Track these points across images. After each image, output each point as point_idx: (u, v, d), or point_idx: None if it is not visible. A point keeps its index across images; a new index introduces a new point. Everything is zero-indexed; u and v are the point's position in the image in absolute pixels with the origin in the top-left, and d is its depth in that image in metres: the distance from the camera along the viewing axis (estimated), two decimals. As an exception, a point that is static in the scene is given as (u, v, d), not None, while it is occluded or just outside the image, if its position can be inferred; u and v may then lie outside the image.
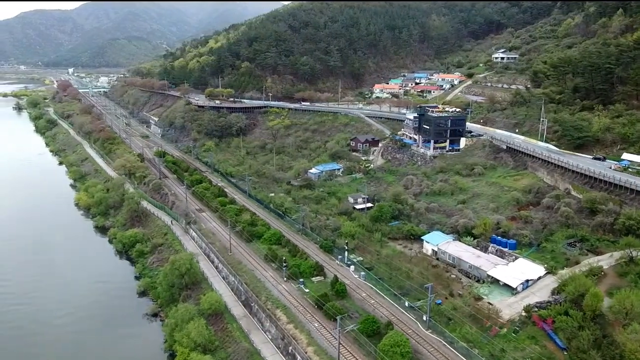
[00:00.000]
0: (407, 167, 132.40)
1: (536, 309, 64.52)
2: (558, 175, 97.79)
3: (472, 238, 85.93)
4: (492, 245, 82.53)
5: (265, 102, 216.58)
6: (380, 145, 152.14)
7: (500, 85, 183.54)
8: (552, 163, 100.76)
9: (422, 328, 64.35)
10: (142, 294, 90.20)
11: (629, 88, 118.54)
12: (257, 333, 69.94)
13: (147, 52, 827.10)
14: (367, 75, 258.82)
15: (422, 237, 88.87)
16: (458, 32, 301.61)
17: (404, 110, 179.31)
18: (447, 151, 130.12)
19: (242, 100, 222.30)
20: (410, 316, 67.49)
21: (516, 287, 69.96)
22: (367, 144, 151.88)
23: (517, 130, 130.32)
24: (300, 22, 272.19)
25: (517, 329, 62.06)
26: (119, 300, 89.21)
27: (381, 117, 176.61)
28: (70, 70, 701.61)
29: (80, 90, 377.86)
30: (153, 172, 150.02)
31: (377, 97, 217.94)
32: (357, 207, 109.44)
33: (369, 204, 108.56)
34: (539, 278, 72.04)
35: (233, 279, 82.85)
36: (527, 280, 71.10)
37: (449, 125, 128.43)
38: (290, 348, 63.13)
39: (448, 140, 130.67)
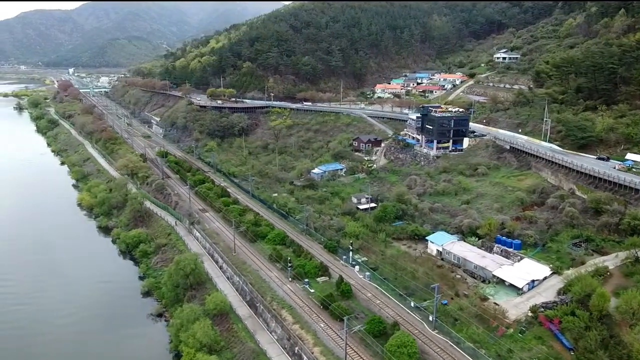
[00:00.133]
0: (410, 167, 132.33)
1: (542, 309, 64.51)
2: (562, 175, 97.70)
3: (476, 238, 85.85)
4: (497, 245, 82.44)
5: (267, 102, 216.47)
6: (382, 145, 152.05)
7: (502, 85, 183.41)
8: (556, 163, 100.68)
9: (428, 328, 64.34)
10: (146, 294, 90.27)
11: (632, 88, 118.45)
12: (263, 333, 69.90)
13: (148, 52, 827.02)
14: (368, 75, 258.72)
15: (426, 238, 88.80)
16: (459, 32, 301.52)
17: (406, 110, 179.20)
18: (450, 151, 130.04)
19: (244, 100, 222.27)
20: (416, 316, 67.45)
21: (522, 288, 69.91)
22: (370, 144, 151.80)
23: (520, 130, 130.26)
24: (301, 22, 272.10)
25: (524, 329, 62.01)
26: (123, 300, 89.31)
27: (383, 117, 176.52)
28: (71, 70, 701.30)
29: (80, 91, 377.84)
30: (156, 172, 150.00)
31: (379, 97, 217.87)
32: (361, 207, 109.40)
33: (373, 204, 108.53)
34: (545, 278, 71.97)
35: (238, 279, 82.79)
36: (533, 281, 71.05)
37: (452, 125, 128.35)
38: (297, 348, 63.09)
39: (451, 140, 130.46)
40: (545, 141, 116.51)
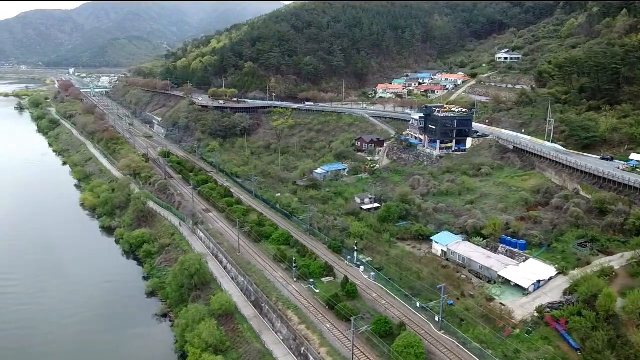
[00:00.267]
0: (413, 167, 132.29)
1: (548, 310, 64.49)
2: (566, 175, 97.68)
3: (481, 238, 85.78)
4: (502, 245, 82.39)
5: (269, 102, 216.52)
6: (385, 145, 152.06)
7: (504, 86, 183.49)
8: (560, 163, 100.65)
9: (435, 329, 64.29)
10: (151, 294, 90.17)
11: (635, 88, 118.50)
12: (268, 334, 69.84)
13: (148, 52, 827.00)
14: (370, 75, 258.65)
15: (431, 238, 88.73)
16: (460, 32, 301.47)
17: (408, 111, 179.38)
18: (453, 151, 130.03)
19: (246, 100, 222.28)
20: (422, 317, 67.40)
21: (527, 288, 69.88)
22: (372, 144, 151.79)
23: (523, 131, 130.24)
24: (303, 22, 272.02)
25: (530, 329, 61.98)
26: (127, 300, 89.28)
27: (385, 117, 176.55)
28: (71, 70, 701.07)
29: (81, 91, 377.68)
30: (158, 173, 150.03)
31: (381, 97, 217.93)
32: (364, 207, 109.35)
33: (376, 205, 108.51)
34: (550, 278, 71.95)
35: (242, 279, 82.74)
36: (539, 281, 71.02)
37: (456, 126, 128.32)
38: (303, 349, 63.02)
39: (454, 140, 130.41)
40: (549, 141, 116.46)
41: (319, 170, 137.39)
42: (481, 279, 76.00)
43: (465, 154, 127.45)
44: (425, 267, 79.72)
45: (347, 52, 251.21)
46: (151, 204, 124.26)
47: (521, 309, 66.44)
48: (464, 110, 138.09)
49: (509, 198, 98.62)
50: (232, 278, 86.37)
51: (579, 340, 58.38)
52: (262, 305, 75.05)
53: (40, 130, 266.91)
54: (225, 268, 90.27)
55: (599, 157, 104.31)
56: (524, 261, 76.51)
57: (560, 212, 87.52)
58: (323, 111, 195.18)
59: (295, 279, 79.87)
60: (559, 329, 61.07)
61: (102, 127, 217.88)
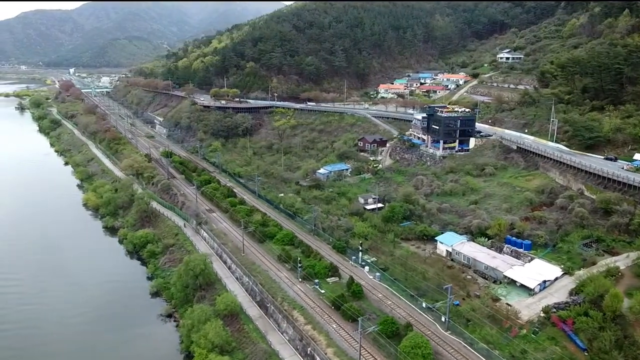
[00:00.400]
0: (416, 167, 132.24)
1: (555, 310, 64.48)
2: (570, 175, 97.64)
3: (486, 239, 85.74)
4: (507, 246, 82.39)
5: (271, 102, 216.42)
6: (387, 145, 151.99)
7: (506, 86, 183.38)
8: (564, 163, 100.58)
9: (441, 329, 64.30)
10: (155, 294, 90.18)
11: (639, 88, 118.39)
12: (274, 334, 69.83)
13: (148, 52, 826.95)
14: (371, 75, 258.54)
15: (435, 238, 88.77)
16: (462, 32, 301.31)
17: (410, 111, 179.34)
18: (456, 151, 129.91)
19: (248, 100, 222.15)
20: (428, 317, 67.42)
21: (533, 288, 69.86)
22: (375, 144, 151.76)
23: (526, 131, 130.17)
24: (304, 22, 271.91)
25: (537, 330, 61.98)
26: (132, 300, 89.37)
27: (388, 117, 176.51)
28: (72, 70, 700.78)
29: (82, 91, 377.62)
30: (161, 173, 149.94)
31: (382, 97, 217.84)
32: (368, 207, 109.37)
33: (380, 205, 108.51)
34: (556, 279, 71.93)
35: (247, 279, 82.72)
36: (544, 281, 71.01)
37: (459, 126, 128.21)
38: (309, 349, 62.99)
39: (457, 141, 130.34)
40: (552, 141, 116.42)
41: (321, 171, 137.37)
42: (486, 279, 75.98)
43: (469, 154, 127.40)
44: (430, 268, 79.79)
45: (349, 52, 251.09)
46: (154, 204, 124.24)
47: (527, 309, 66.44)
48: (466, 110, 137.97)
49: (513, 198, 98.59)
50: (237, 278, 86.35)
51: (586, 341, 58.39)
52: (268, 305, 75.03)
53: (42, 130, 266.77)
54: (229, 268, 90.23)
55: (602, 157, 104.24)
56: (529, 261, 76.50)
57: (564, 212, 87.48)
58: (325, 111, 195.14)
59: (300, 279, 79.86)
60: (566, 329, 61.07)
61: (103, 127, 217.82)
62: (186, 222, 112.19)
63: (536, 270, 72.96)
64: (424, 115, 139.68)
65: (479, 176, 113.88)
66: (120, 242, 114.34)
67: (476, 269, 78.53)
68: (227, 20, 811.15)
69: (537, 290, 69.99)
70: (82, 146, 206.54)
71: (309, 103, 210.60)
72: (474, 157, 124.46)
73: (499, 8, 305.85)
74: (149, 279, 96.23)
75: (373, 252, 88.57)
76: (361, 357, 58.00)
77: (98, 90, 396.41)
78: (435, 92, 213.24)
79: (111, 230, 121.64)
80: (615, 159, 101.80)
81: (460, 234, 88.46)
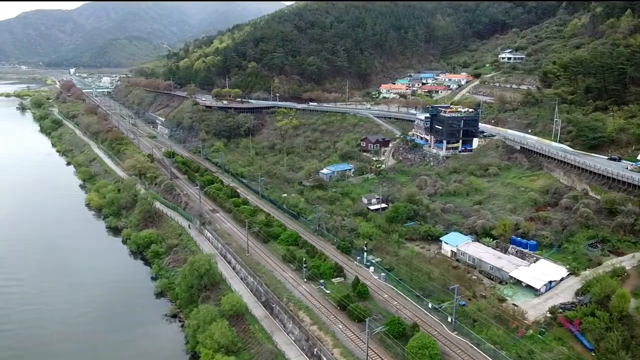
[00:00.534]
0: (419, 167, 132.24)
1: (561, 310, 64.46)
2: (575, 175, 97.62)
3: (491, 239, 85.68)
4: (512, 246, 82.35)
5: (273, 102, 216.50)
6: (390, 145, 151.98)
7: (508, 86, 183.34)
8: (568, 163, 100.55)
9: (448, 330, 64.24)
10: (160, 294, 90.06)
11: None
12: (280, 334, 69.77)
13: (148, 52, 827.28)
14: (373, 75, 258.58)
15: (440, 238, 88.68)
16: (463, 32, 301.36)
17: (412, 111, 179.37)
18: (459, 151, 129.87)
19: (250, 100, 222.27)
20: (434, 318, 67.37)
21: (539, 289, 69.81)
22: (378, 144, 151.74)
23: (529, 131, 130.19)
24: (306, 22, 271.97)
25: (543, 330, 61.95)
26: (136, 300, 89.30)
27: (390, 118, 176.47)
28: (72, 70, 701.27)
29: (83, 91, 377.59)
30: (164, 173, 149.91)
31: (384, 98, 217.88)
32: (372, 207, 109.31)
33: (383, 205, 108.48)
34: (562, 279, 71.91)
35: (252, 280, 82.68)
36: (550, 282, 70.97)
37: (462, 126, 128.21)
38: (316, 350, 62.93)
39: (461, 141, 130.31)
40: (556, 141, 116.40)
41: (324, 171, 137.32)
42: (492, 279, 75.94)
43: (472, 154, 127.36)
44: (435, 268, 79.68)
45: (351, 52, 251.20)
46: (157, 204, 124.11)
47: (533, 309, 66.40)
48: (470, 110, 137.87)
49: (517, 198, 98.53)
50: (242, 278, 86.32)
51: (593, 341, 58.35)
52: (273, 305, 74.97)
53: (43, 130, 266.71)
54: (234, 268, 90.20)
55: (606, 157, 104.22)
56: (534, 262, 76.45)
57: (569, 213, 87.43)
58: (327, 111, 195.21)
59: (305, 280, 79.80)
60: (572, 329, 61.04)
61: (105, 127, 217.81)
62: (190, 222, 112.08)
63: (542, 271, 72.93)
64: (427, 115, 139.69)
65: (482, 176, 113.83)
66: (124, 242, 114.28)
67: (481, 269, 78.48)
68: (227, 20, 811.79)
69: (543, 290, 69.95)
70: (84, 146, 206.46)
71: (311, 103, 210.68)
72: (478, 157, 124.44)
73: (500, 8, 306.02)
74: (153, 279, 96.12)
75: (377, 252, 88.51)
76: (368, 357, 57.96)
77: (99, 90, 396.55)
78: (437, 92, 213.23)
79: (114, 231, 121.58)
80: (619, 159, 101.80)
81: (465, 235, 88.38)
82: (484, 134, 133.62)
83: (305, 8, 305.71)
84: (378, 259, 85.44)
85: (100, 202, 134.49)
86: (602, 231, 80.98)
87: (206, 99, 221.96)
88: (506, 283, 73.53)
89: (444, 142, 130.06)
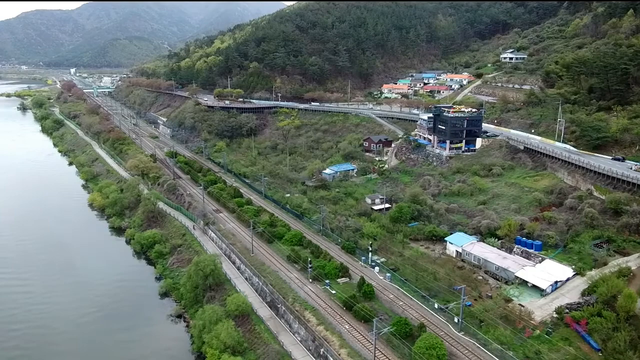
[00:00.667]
0: (423, 167, 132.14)
1: (567, 311, 64.49)
2: (579, 175, 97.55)
3: (495, 239, 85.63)
4: (517, 246, 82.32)
5: (275, 102, 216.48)
6: (393, 145, 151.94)
7: (510, 86, 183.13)
8: (572, 164, 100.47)
9: (454, 330, 64.22)
10: (164, 294, 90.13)
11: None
12: (286, 335, 69.77)
13: (149, 52, 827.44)
14: (375, 75, 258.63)
15: (444, 238, 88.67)
16: (464, 32, 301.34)
17: (415, 111, 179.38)
18: (463, 151, 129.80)
19: (251, 100, 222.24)
20: (441, 318, 67.34)
21: (545, 289, 69.81)
22: (381, 144, 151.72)
23: (532, 131, 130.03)
24: (307, 22, 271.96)
25: (550, 330, 61.95)
26: (141, 300, 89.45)
27: (392, 118, 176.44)
28: (72, 70, 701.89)
29: (84, 91, 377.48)
30: (166, 173, 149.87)
31: (386, 98, 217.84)
32: (375, 207, 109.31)
33: (387, 205, 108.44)
34: (568, 279, 71.92)
35: (257, 280, 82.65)
36: (556, 282, 70.96)
37: (465, 126, 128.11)
38: (322, 350, 62.91)
39: (464, 141, 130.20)
40: (559, 142, 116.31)
41: (327, 171, 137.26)
42: (498, 280, 75.92)
43: (475, 154, 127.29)
44: (440, 268, 79.74)
45: (352, 52, 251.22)
46: (161, 205, 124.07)
47: (540, 309, 66.42)
48: (473, 110, 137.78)
49: (521, 198, 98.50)
50: (246, 279, 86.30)
51: (600, 341, 58.35)
52: (279, 306, 74.94)
53: (45, 130, 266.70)
54: (238, 269, 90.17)
55: (610, 157, 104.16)
56: (540, 262, 76.45)
57: (574, 213, 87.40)
58: (329, 111, 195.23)
59: (310, 280, 79.78)
60: (579, 329, 61.05)
61: (107, 127, 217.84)
62: (194, 222, 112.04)
63: (547, 271, 72.92)
64: (430, 115, 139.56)
65: (486, 176, 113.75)
66: (128, 242, 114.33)
67: (487, 269, 78.45)
68: (227, 21, 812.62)
69: (548, 290, 69.97)
70: (86, 146, 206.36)
71: (312, 103, 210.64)
72: (481, 157, 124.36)
73: (502, 8, 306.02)
74: (157, 279, 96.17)
75: (382, 252, 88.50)
76: (375, 358, 57.93)
77: (100, 90, 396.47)
78: (439, 92, 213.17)
79: (117, 231, 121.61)
80: (623, 159, 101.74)
81: (470, 235, 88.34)
82: (487, 134, 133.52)
83: (306, 8, 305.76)
84: (383, 259, 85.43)
85: (103, 202, 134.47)
86: (607, 231, 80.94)
87: (208, 99, 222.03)
88: (512, 283, 73.53)
89: (447, 142, 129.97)
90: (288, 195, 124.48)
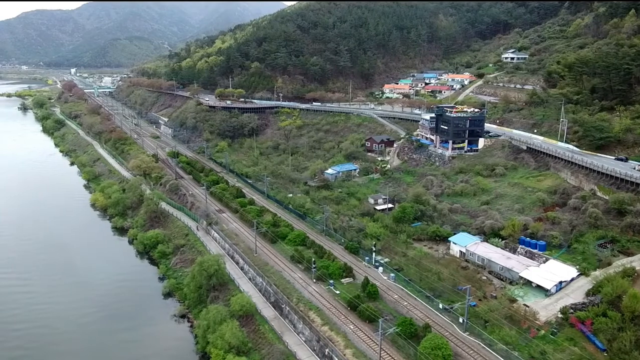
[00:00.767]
0: (425, 167, 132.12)
1: (572, 311, 64.47)
2: (582, 176, 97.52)
3: (499, 239, 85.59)
4: (521, 246, 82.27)
5: (276, 102, 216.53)
6: (395, 145, 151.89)
7: (512, 86, 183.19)
8: (575, 164, 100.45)
9: (459, 330, 64.21)
10: (167, 295, 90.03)
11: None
12: (290, 335, 69.73)
13: (149, 52, 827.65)
14: (376, 75, 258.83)
15: (448, 239, 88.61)
16: (465, 32, 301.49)
17: (417, 111, 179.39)
18: (465, 151, 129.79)
19: (253, 100, 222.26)
20: (445, 318, 67.33)
21: (550, 289, 69.76)
22: (383, 145, 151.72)
23: (535, 131, 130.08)
24: (309, 22, 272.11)
25: (555, 330, 61.94)
26: (145, 300, 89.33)
27: (394, 118, 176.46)
28: (73, 70, 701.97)
29: (85, 91, 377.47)
30: (168, 173, 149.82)
31: (388, 98, 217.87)
32: (378, 207, 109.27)
33: (390, 205, 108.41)
34: (572, 279, 71.86)
35: (261, 280, 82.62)
36: (560, 282, 70.91)
37: (468, 126, 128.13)
38: (327, 350, 62.85)
39: (466, 141, 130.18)
40: (562, 142, 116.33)
41: (329, 171, 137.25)
42: (502, 280, 75.88)
43: (478, 155, 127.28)
44: (444, 268, 79.68)
45: (353, 52, 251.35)
46: (163, 205, 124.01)
47: (545, 310, 66.37)
48: (476, 110, 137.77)
49: (525, 199, 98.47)
50: (250, 279, 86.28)
51: (605, 341, 58.33)
52: (283, 306, 74.91)
53: (46, 130, 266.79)
54: (242, 269, 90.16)
55: (613, 157, 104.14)
56: (544, 262, 76.40)
57: (578, 213, 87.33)
58: (331, 111, 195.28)
59: (314, 280, 79.76)
60: (584, 330, 61.04)
61: (109, 127, 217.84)
62: (197, 222, 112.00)
63: (552, 271, 72.85)
64: (432, 115, 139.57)
65: (489, 176, 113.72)
66: (130, 242, 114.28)
67: (491, 269, 78.41)
68: (227, 21, 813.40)
69: (553, 291, 69.90)
70: (88, 146, 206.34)
71: (314, 103, 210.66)
72: (484, 157, 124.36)
73: (502, 8, 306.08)
74: (160, 279, 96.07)
75: (386, 252, 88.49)
76: (381, 358, 57.91)
77: (100, 90, 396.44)
78: (440, 92, 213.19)
79: (120, 231, 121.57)
80: (626, 159, 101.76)
81: (473, 235, 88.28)
82: (490, 134, 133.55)
83: (307, 8, 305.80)
84: (386, 260, 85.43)
85: (106, 202, 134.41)
86: (611, 231, 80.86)
87: (209, 99, 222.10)
88: (516, 283, 73.48)
89: (450, 142, 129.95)
90: (290, 195, 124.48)
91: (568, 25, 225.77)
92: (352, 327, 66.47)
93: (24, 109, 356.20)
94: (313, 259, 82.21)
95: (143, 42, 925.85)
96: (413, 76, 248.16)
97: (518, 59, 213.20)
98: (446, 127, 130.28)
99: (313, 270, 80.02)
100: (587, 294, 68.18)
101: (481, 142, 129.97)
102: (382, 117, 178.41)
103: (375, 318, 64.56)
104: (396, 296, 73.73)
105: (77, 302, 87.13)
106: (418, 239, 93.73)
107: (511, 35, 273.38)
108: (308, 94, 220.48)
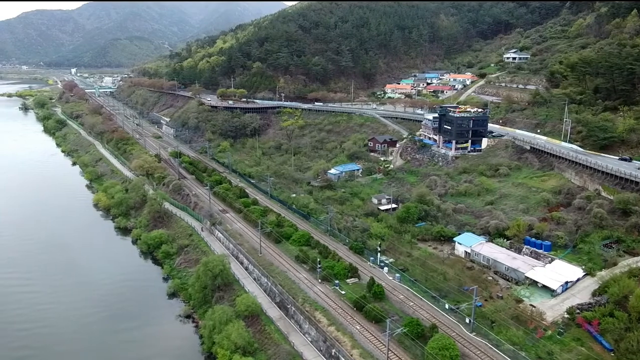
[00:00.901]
0: (428, 167, 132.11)
1: (579, 311, 64.49)
2: (587, 176, 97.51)
3: (504, 239, 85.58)
4: (526, 246, 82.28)
5: (278, 102, 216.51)
6: (398, 145, 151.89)
7: (514, 86, 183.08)
8: (579, 164, 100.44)
9: (466, 331, 64.17)
10: (172, 295, 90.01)
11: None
12: (296, 335, 69.67)
13: (149, 52, 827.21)
14: (378, 75, 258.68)
15: (453, 239, 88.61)
16: (467, 32, 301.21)
17: (419, 111, 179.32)
18: (468, 151, 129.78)
19: (255, 100, 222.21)
20: (451, 318, 67.30)
21: (556, 289, 69.76)
22: (385, 145, 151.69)
23: (538, 131, 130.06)
24: (310, 22, 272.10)
25: (562, 331, 61.94)
26: (149, 300, 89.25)
27: (396, 118, 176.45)
28: (73, 70, 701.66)
29: (85, 91, 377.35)
30: (171, 173, 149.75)
31: (390, 97, 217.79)
32: (382, 208, 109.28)
33: (394, 205, 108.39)
34: (578, 280, 71.90)
35: (266, 280, 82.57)
36: (566, 282, 70.93)
37: (471, 126, 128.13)
38: (334, 351, 62.81)
39: (470, 141, 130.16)
40: (566, 142, 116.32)
41: (333, 171, 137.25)
42: (508, 280, 75.88)
43: (481, 155, 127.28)
44: (449, 269, 79.66)
45: (355, 52, 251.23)
46: (167, 205, 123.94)
47: (551, 310, 66.40)
48: (479, 110, 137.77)
49: (529, 199, 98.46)
50: (255, 279, 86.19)
51: (612, 341, 58.33)
52: (288, 306, 74.86)
53: (47, 130, 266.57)
54: (246, 269, 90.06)
55: (617, 157, 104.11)
56: (549, 262, 76.42)
57: (583, 213, 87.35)
58: (333, 111, 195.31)
59: (319, 280, 79.73)
60: (591, 330, 61.06)
61: (110, 127, 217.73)
62: (200, 222, 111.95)
63: (557, 271, 72.90)
64: (435, 115, 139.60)
65: (493, 176, 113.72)
66: (134, 242, 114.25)
67: (496, 270, 78.41)
68: (227, 21, 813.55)
69: (559, 291, 69.94)
70: (89, 146, 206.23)
71: (316, 103, 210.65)
72: (487, 157, 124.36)
73: (504, 8, 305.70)
74: (165, 279, 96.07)
75: (390, 252, 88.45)
76: (389, 359, 57.87)
77: (101, 90, 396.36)
78: (442, 92, 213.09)
79: (123, 231, 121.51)
80: (630, 159, 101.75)
81: (478, 235, 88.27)
82: (493, 134, 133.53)
83: (309, 8, 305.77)
84: (391, 260, 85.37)
85: (109, 202, 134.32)
86: (616, 231, 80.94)
87: (211, 99, 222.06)
88: (522, 284, 73.46)
89: (453, 142, 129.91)
90: (294, 195, 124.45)
91: (570, 25, 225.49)
92: (358, 328, 66.42)
93: (25, 109, 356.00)
94: (318, 259, 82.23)
95: (143, 42, 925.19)
96: (415, 76, 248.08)
97: (520, 59, 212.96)
98: (449, 127, 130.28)
99: (318, 270, 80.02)
100: (594, 294, 68.25)
101: (484, 142, 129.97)
102: (384, 117, 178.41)
103: (382, 318, 64.59)
104: (402, 296, 73.67)
105: (80, 302, 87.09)
106: (422, 239, 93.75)
107: (512, 35, 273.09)
108: (310, 94, 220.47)
